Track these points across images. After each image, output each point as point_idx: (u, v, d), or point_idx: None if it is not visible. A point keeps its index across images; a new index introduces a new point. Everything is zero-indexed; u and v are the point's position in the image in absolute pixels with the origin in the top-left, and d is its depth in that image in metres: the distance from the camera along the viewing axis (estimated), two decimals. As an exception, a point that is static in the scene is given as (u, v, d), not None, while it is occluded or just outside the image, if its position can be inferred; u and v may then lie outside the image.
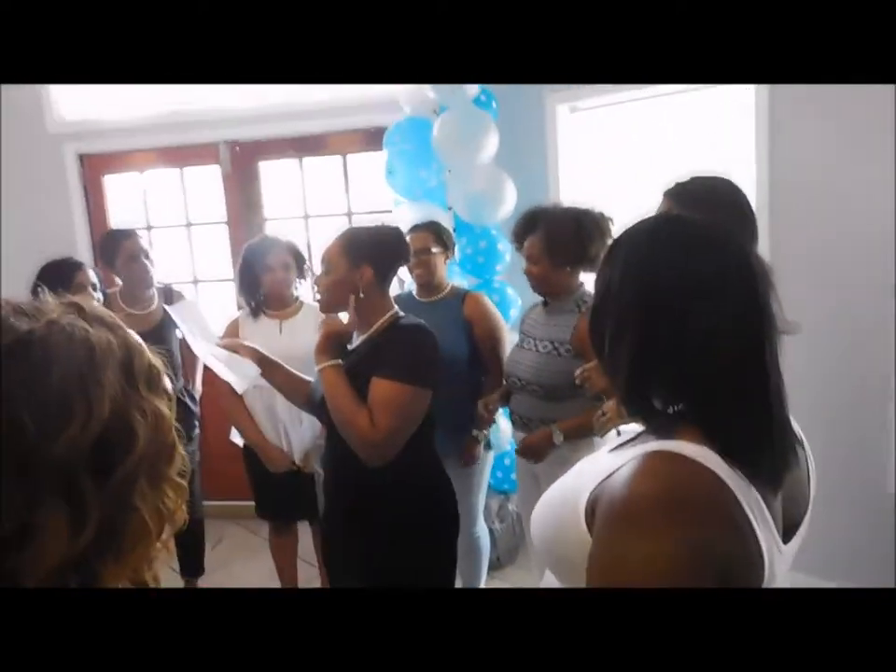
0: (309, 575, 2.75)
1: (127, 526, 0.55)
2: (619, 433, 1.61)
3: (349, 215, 3.42)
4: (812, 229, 2.34)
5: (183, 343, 2.57)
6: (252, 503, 2.54)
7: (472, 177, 2.70)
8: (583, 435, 1.85)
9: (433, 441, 1.70)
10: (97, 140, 3.47)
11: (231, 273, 3.16)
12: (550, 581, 0.87)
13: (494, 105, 2.84)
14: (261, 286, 2.37)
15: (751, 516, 0.69)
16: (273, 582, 2.61)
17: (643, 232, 0.79)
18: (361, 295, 1.60)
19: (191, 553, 2.72)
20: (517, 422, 2.10)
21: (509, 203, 2.73)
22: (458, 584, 2.12)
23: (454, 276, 2.69)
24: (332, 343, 1.63)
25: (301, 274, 2.46)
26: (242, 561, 3.14)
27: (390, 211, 2.93)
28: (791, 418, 0.80)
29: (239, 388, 1.84)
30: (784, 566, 0.77)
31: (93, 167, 3.55)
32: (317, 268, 1.69)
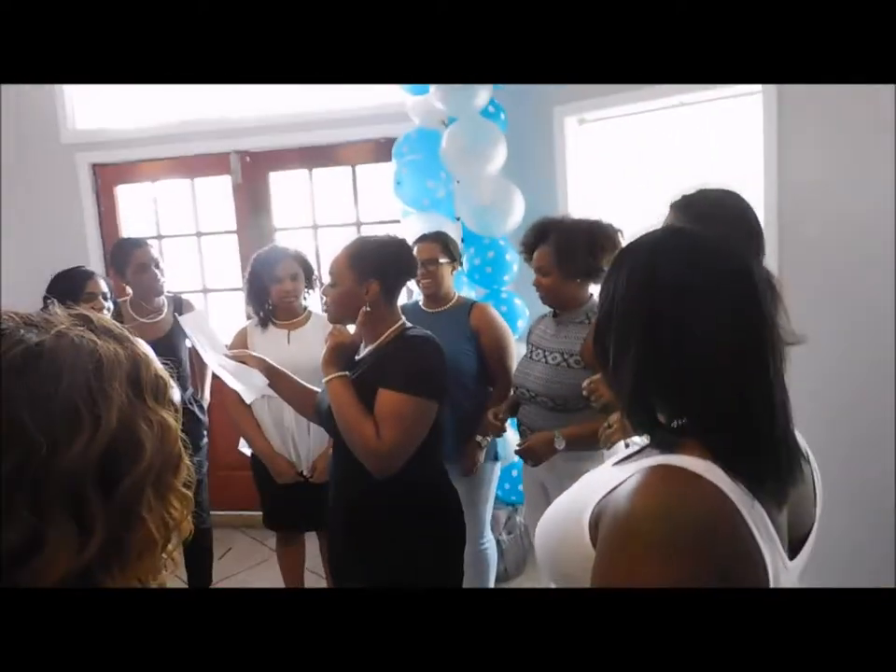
0: (316, 585, 2.75)
1: (133, 537, 0.56)
2: (627, 445, 1.60)
3: (358, 225, 3.43)
4: (820, 241, 2.34)
5: (192, 352, 2.59)
6: (260, 513, 2.54)
7: (480, 188, 2.71)
8: (587, 445, 1.84)
9: (440, 453, 1.70)
10: (110, 150, 3.51)
11: (241, 283, 3.18)
12: (554, 594, 0.86)
13: (502, 116, 2.85)
14: (270, 295, 2.39)
15: (755, 531, 0.68)
16: (280, 592, 2.61)
17: (646, 246, 0.79)
18: (368, 309, 1.60)
19: (199, 562, 2.72)
20: (525, 433, 2.09)
21: (517, 215, 2.74)
22: (464, 596, 2.11)
23: (461, 287, 2.70)
24: (339, 354, 1.63)
25: (310, 285, 2.47)
26: (249, 571, 3.14)
27: (398, 221, 2.94)
28: (797, 433, 0.79)
29: (248, 398, 1.85)
30: (790, 582, 0.76)
31: (106, 177, 3.59)
32: (326, 278, 1.70)
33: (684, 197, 1.37)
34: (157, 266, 2.59)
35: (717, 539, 0.66)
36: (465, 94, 2.62)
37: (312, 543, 2.60)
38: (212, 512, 2.84)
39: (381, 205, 3.29)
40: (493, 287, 2.83)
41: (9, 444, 0.49)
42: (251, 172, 3.47)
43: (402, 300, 1.98)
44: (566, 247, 1.96)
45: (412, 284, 2.43)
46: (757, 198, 2.35)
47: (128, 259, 2.57)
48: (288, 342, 2.38)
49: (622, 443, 1.68)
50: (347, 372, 1.61)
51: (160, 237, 3.57)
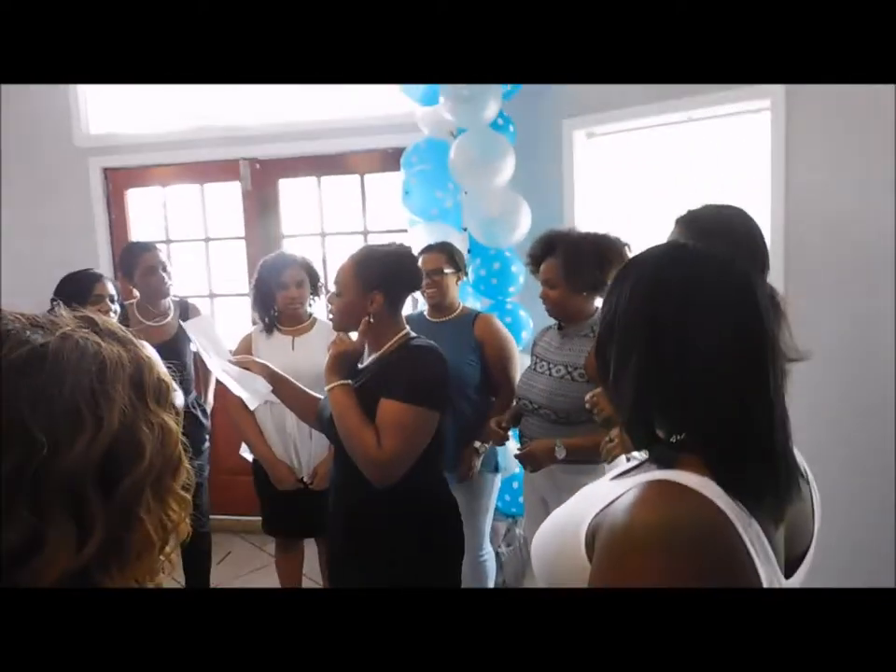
0: (313, 592, 2.75)
1: (131, 538, 0.56)
2: (628, 460, 1.60)
3: (365, 233, 3.45)
4: (827, 257, 2.34)
5: (197, 355, 2.60)
6: (260, 519, 2.54)
7: (488, 200, 2.73)
8: (587, 457, 1.84)
9: (441, 463, 1.70)
10: (122, 155, 3.55)
11: (248, 289, 3.20)
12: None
13: (511, 128, 2.86)
14: (275, 302, 2.40)
15: (751, 548, 0.68)
16: (278, 599, 2.61)
17: (650, 260, 0.79)
18: (372, 320, 1.61)
19: (197, 566, 2.72)
20: (527, 445, 2.09)
21: (524, 227, 2.75)
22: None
23: (467, 297, 2.71)
24: (342, 362, 1.64)
25: (316, 292, 2.49)
26: (247, 576, 3.14)
27: (406, 230, 2.96)
28: (797, 451, 0.79)
29: (251, 405, 1.85)
30: (786, 600, 0.76)
31: (117, 181, 3.62)
32: (332, 286, 1.71)
33: (690, 212, 1.37)
34: (164, 269, 2.61)
35: (711, 555, 0.66)
36: (474, 106, 2.63)
37: (311, 550, 2.60)
38: (212, 516, 2.84)
39: (388, 214, 3.30)
40: (498, 297, 2.84)
41: (11, 444, 0.49)
42: (261, 179, 3.50)
43: (408, 309, 1.99)
44: (574, 260, 1.97)
45: (417, 293, 2.44)
46: (764, 214, 2.35)
47: (136, 261, 2.59)
48: (293, 348, 2.39)
49: (623, 457, 1.67)
50: (350, 381, 1.62)
51: (168, 241, 3.60)
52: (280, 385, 1.79)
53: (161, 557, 0.61)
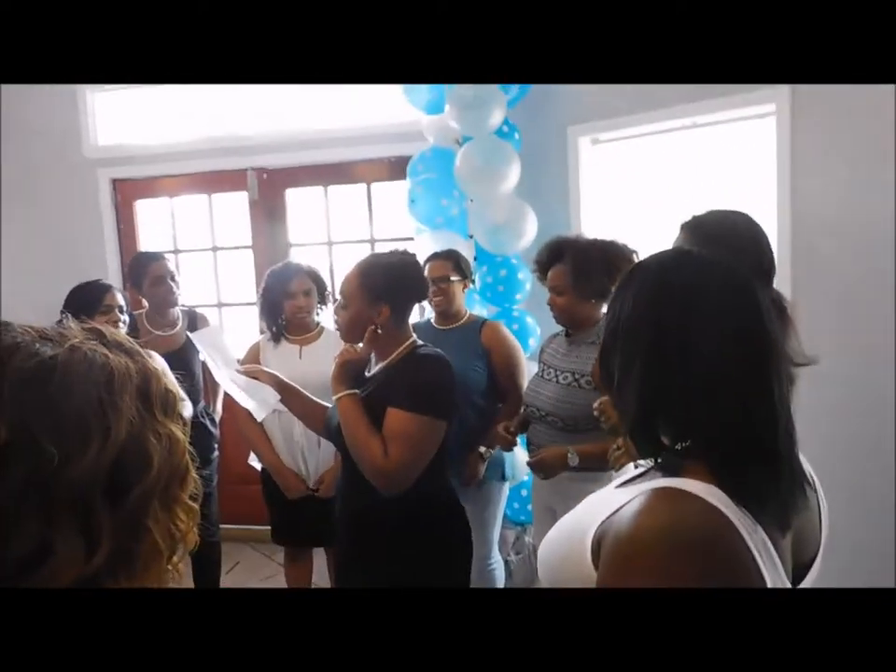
0: (322, 601, 2.74)
1: (140, 548, 0.56)
2: (637, 467, 1.59)
3: (372, 242, 3.46)
4: (834, 262, 2.33)
5: (206, 365, 2.61)
6: (268, 528, 2.54)
7: (494, 207, 2.73)
8: (599, 465, 1.83)
9: (447, 469, 1.70)
10: (130, 166, 3.58)
11: (255, 298, 3.21)
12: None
13: (516, 136, 2.87)
14: (283, 311, 2.41)
15: (757, 555, 0.68)
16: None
17: (652, 268, 0.80)
18: (379, 331, 1.61)
19: (206, 575, 2.72)
20: (534, 452, 2.09)
21: (530, 234, 2.75)
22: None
23: (474, 305, 2.71)
24: (348, 371, 1.64)
25: (323, 300, 2.50)
26: (256, 585, 3.14)
27: (412, 238, 2.97)
28: (804, 459, 0.79)
29: (259, 416, 1.85)
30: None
31: (126, 192, 3.66)
32: (339, 295, 1.71)
33: (695, 218, 1.37)
34: (172, 279, 2.63)
35: (716, 562, 0.66)
36: (479, 114, 2.65)
37: (319, 559, 2.60)
38: (221, 526, 2.84)
39: (395, 223, 3.31)
40: (505, 305, 2.84)
41: (20, 454, 0.50)
42: (268, 188, 3.52)
43: (415, 317, 1.99)
44: (582, 267, 1.96)
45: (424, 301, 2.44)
46: (770, 219, 2.35)
47: (145, 271, 2.62)
48: (300, 357, 2.40)
49: (631, 465, 1.67)
50: (357, 390, 1.62)
51: (177, 251, 3.62)
52: (288, 395, 1.79)
53: (169, 567, 0.61)
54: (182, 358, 2.54)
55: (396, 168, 3.25)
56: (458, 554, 1.68)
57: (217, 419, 2.85)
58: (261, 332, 2.58)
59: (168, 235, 3.66)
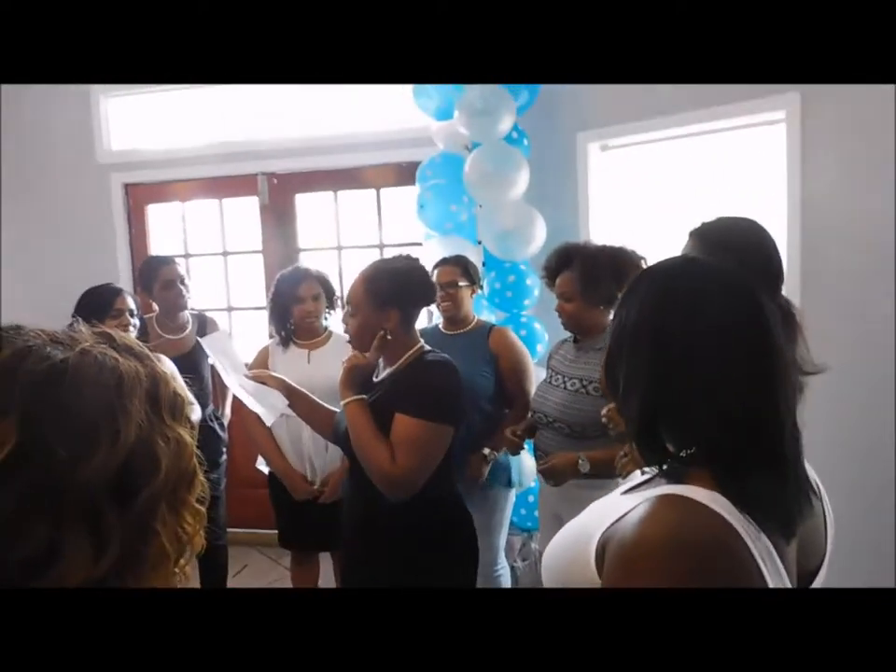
0: (329, 605, 2.74)
1: (147, 550, 0.57)
2: (643, 474, 1.59)
3: (381, 247, 3.47)
4: (844, 268, 2.32)
5: (215, 368, 2.63)
6: (276, 532, 2.55)
7: (503, 213, 2.74)
8: (608, 472, 1.83)
9: (454, 475, 1.70)
10: (142, 171, 3.61)
11: (265, 302, 3.23)
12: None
13: (525, 142, 2.88)
14: (291, 315, 2.42)
15: (761, 563, 0.68)
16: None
17: (658, 275, 0.80)
18: (389, 337, 1.61)
19: (213, 578, 2.73)
20: (541, 458, 2.08)
21: (538, 240, 2.75)
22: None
23: (482, 310, 2.71)
24: (356, 376, 1.64)
25: (331, 305, 2.50)
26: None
27: (421, 244, 2.97)
28: (808, 466, 0.79)
29: (267, 420, 1.85)
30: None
31: (137, 197, 3.69)
32: (346, 303, 1.71)
33: (703, 225, 1.37)
34: (182, 283, 2.65)
35: (719, 569, 0.66)
36: (489, 120, 2.65)
37: (326, 564, 2.60)
38: (228, 529, 2.85)
39: (404, 228, 3.32)
40: (513, 310, 2.84)
41: (31, 457, 0.51)
42: (278, 193, 3.54)
43: (423, 322, 2.00)
44: (590, 274, 1.96)
45: (432, 306, 2.45)
46: (780, 225, 2.34)
47: (155, 275, 2.63)
48: (309, 361, 2.41)
49: (638, 472, 1.66)
50: (364, 396, 1.62)
51: (187, 255, 3.65)
52: (296, 399, 1.80)
53: (176, 570, 0.61)
54: (191, 362, 2.55)
55: (405, 173, 3.26)
56: (465, 560, 1.68)
57: (226, 423, 2.86)
58: (271, 336, 2.59)
59: (179, 239, 3.68)
